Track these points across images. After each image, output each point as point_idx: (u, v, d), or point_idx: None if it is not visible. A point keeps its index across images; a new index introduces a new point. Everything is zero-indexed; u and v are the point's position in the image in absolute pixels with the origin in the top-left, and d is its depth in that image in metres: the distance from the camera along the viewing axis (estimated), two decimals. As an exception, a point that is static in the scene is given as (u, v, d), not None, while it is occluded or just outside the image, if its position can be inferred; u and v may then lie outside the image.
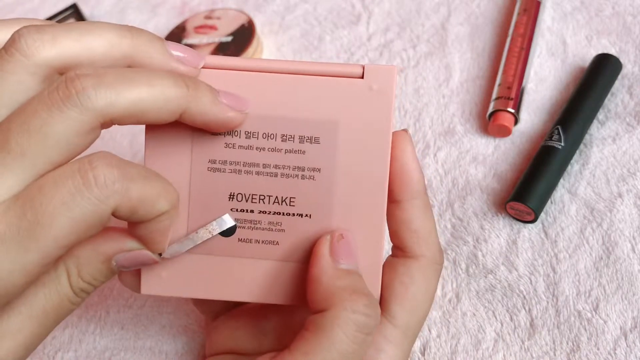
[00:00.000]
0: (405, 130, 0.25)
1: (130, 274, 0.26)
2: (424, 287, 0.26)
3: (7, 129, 0.20)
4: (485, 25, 0.45)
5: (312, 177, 0.25)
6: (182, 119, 0.22)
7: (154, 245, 0.23)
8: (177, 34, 0.47)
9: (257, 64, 0.25)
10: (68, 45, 0.21)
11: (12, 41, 0.21)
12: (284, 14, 0.49)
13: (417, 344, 0.32)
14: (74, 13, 0.50)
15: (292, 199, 0.25)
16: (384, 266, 0.26)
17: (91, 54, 0.22)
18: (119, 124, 0.21)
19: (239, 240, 0.25)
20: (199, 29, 0.47)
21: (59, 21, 0.49)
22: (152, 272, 0.26)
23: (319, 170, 0.25)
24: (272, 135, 0.25)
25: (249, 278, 0.26)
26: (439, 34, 0.45)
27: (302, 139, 0.25)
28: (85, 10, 0.52)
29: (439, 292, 0.34)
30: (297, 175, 0.25)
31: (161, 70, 0.22)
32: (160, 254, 0.24)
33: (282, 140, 0.25)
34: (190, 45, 0.45)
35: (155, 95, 0.21)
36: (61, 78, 0.20)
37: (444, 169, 0.38)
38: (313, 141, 0.25)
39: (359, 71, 0.24)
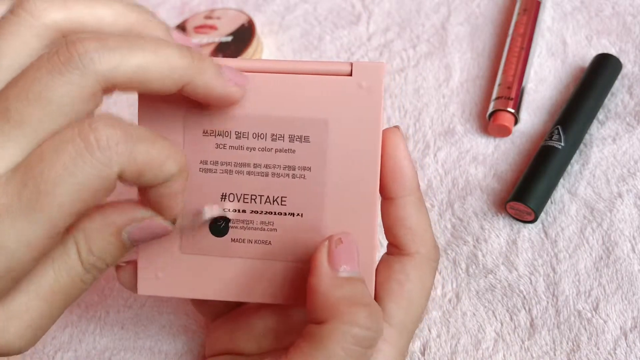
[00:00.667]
0: (397, 127, 0.25)
1: (129, 274, 0.26)
2: (420, 284, 0.25)
3: (6, 96, 0.19)
4: (485, 25, 0.45)
5: (302, 176, 0.25)
6: (185, 91, 0.22)
7: (166, 211, 0.22)
8: (177, 34, 0.47)
9: (246, 64, 0.25)
10: (77, 9, 0.21)
11: (20, 1, 0.20)
12: (284, 14, 0.49)
13: (417, 344, 0.32)
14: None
15: (283, 198, 0.25)
16: (379, 264, 0.26)
17: (99, 21, 0.21)
18: (121, 90, 0.21)
19: (232, 240, 0.26)
20: (199, 28, 0.47)
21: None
22: (149, 273, 0.26)
23: (310, 169, 0.25)
24: (262, 135, 0.25)
25: (243, 278, 0.26)
26: (439, 34, 0.45)
27: (292, 138, 0.25)
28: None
29: (439, 292, 0.34)
30: (287, 175, 0.25)
31: (167, 41, 0.22)
32: (174, 222, 0.23)
33: (272, 140, 0.25)
34: (190, 45, 0.45)
35: (160, 63, 0.21)
36: (62, 41, 0.20)
37: (444, 169, 0.38)
38: (303, 140, 0.25)
39: (348, 69, 0.24)
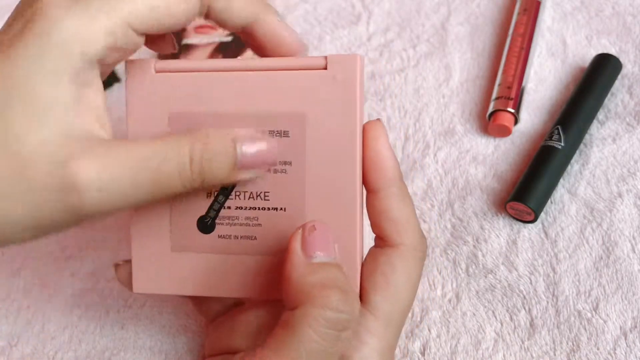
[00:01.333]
0: (378, 120, 0.26)
1: (126, 272, 0.27)
2: (406, 275, 0.25)
3: None
4: (485, 25, 0.45)
5: (284, 171, 0.25)
6: (250, 31, 0.25)
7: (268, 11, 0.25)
8: (177, 34, 0.47)
9: (226, 64, 0.25)
10: None
11: None
12: (284, 14, 0.49)
13: (417, 344, 0.32)
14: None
15: (266, 194, 0.25)
16: (366, 257, 0.26)
17: None
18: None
19: (219, 236, 0.26)
20: (200, 28, 0.47)
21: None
22: (142, 271, 0.26)
23: (290, 163, 0.25)
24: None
25: (230, 274, 0.26)
26: (439, 34, 0.45)
27: (272, 133, 0.25)
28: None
29: (438, 292, 0.34)
30: (269, 170, 0.25)
31: None
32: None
33: None
34: (190, 45, 0.45)
35: None
36: None
37: (444, 169, 0.38)
38: (283, 135, 0.25)
39: (323, 62, 0.25)
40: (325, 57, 0.25)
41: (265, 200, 0.25)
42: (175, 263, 0.26)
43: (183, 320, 0.34)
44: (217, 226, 0.26)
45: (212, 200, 0.26)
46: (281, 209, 0.25)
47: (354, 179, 0.25)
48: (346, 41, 0.46)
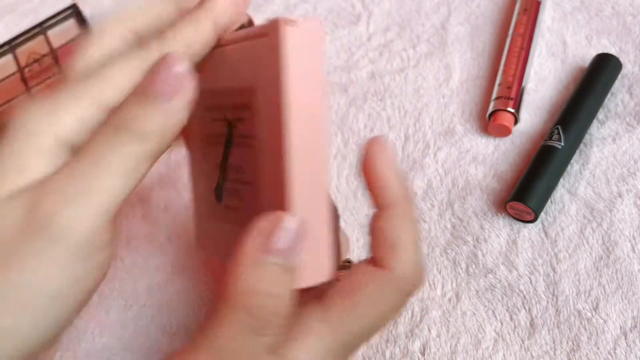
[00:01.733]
0: (379, 137, 0.24)
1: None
2: (373, 300, 0.23)
3: None
4: (485, 25, 0.45)
5: (251, 145, 0.24)
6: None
7: None
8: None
9: None
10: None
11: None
12: (284, 14, 0.49)
13: (417, 344, 0.32)
14: (74, 13, 0.50)
15: (241, 168, 0.25)
16: (353, 267, 0.25)
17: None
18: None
19: (225, 207, 0.27)
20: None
21: (59, 22, 0.49)
22: (197, 234, 0.30)
23: (254, 137, 0.24)
24: (217, 107, 0.26)
25: (230, 242, 0.26)
26: (439, 34, 0.45)
27: (237, 107, 0.25)
28: (85, 10, 0.52)
29: (438, 291, 0.34)
30: (242, 144, 0.25)
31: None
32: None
33: (226, 110, 0.26)
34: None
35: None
36: None
37: (444, 169, 0.38)
38: (246, 108, 0.24)
39: (264, 30, 0.23)
40: (267, 25, 0.23)
41: (242, 173, 0.25)
42: (209, 229, 0.28)
43: (183, 320, 0.34)
44: (225, 197, 0.27)
45: (219, 172, 0.27)
46: (251, 182, 0.25)
47: (289, 157, 0.23)
48: (346, 41, 0.46)
